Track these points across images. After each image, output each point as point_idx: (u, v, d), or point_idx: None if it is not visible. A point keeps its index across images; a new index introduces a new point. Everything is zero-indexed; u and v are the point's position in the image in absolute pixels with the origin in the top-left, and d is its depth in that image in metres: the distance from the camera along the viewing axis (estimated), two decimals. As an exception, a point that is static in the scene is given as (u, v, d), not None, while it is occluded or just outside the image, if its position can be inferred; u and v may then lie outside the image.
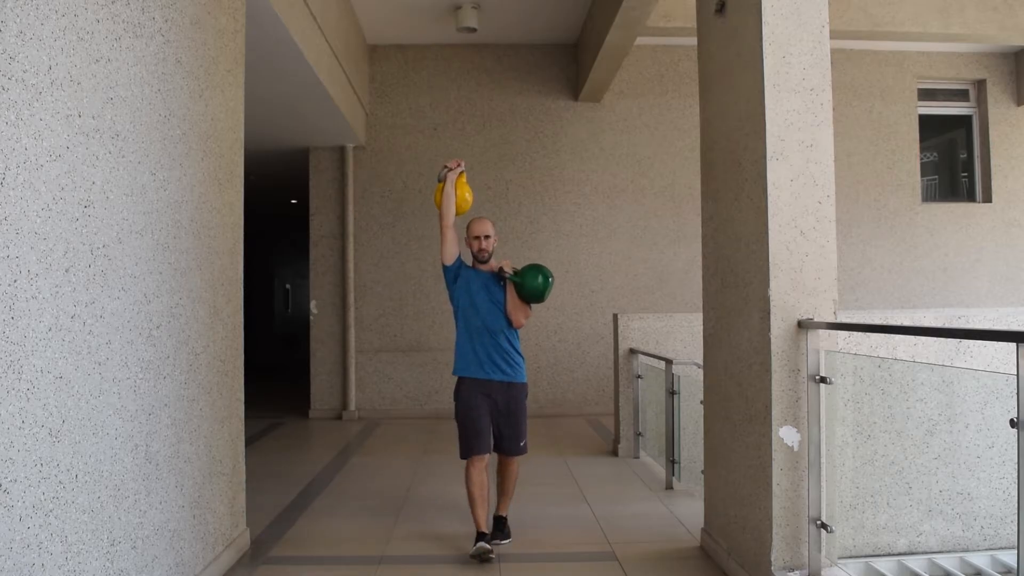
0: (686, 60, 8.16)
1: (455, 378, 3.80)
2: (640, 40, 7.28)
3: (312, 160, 8.15)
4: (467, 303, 3.70)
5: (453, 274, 3.74)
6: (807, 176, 3.02)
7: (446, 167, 3.75)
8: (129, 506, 2.54)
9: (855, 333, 3.19)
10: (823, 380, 2.91)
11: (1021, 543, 2.02)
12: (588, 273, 8.19)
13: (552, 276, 3.72)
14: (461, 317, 3.72)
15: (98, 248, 2.36)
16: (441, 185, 3.75)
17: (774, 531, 2.93)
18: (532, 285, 3.66)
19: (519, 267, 3.76)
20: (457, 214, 3.72)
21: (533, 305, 3.79)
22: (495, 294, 3.71)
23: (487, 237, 3.75)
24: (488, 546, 3.53)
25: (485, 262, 3.77)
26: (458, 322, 3.75)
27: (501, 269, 3.68)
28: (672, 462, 4.89)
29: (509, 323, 3.70)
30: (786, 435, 2.94)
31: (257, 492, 4.51)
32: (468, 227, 3.79)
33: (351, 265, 8.05)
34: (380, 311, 8.11)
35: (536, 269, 3.70)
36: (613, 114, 8.26)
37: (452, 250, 3.71)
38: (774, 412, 2.93)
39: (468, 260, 3.82)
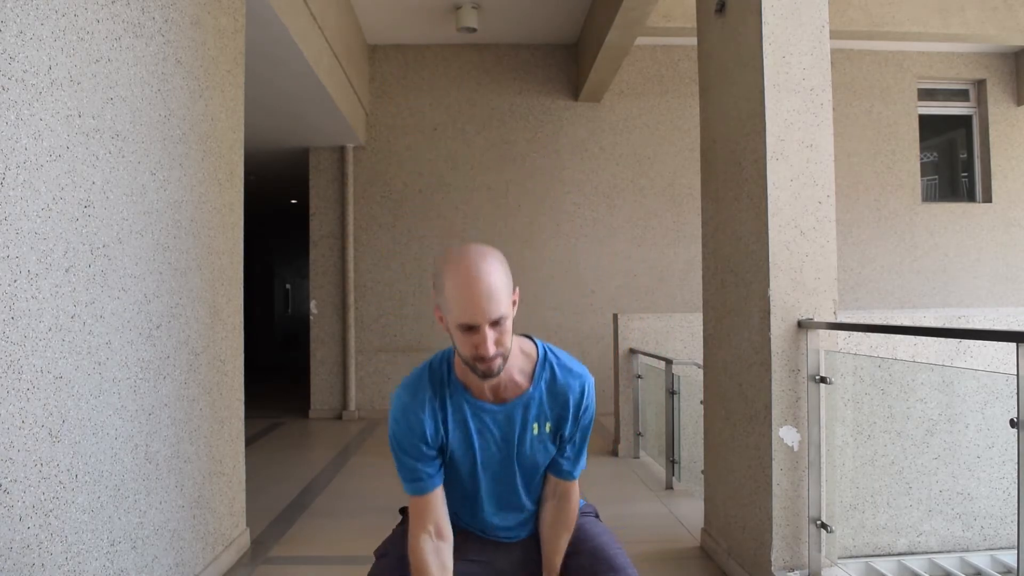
0: (686, 60, 8.16)
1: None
2: (640, 40, 7.28)
3: (312, 160, 8.15)
4: (469, 469, 1.74)
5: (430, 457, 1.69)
6: (807, 176, 3.02)
7: None
8: (129, 506, 2.54)
9: (855, 333, 3.19)
10: (823, 380, 2.91)
11: (1021, 543, 2.02)
12: (587, 273, 8.18)
13: None
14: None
15: (98, 248, 2.36)
16: None
17: (774, 531, 2.93)
18: None
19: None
20: None
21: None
22: (531, 449, 1.78)
23: (494, 324, 1.50)
24: None
25: (494, 376, 1.57)
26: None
27: None
28: (672, 462, 4.89)
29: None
30: (786, 435, 2.94)
31: (257, 492, 4.51)
32: (448, 300, 1.51)
33: (351, 265, 8.04)
34: (380, 311, 8.11)
35: None
36: (613, 114, 8.26)
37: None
38: (774, 412, 2.94)
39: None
